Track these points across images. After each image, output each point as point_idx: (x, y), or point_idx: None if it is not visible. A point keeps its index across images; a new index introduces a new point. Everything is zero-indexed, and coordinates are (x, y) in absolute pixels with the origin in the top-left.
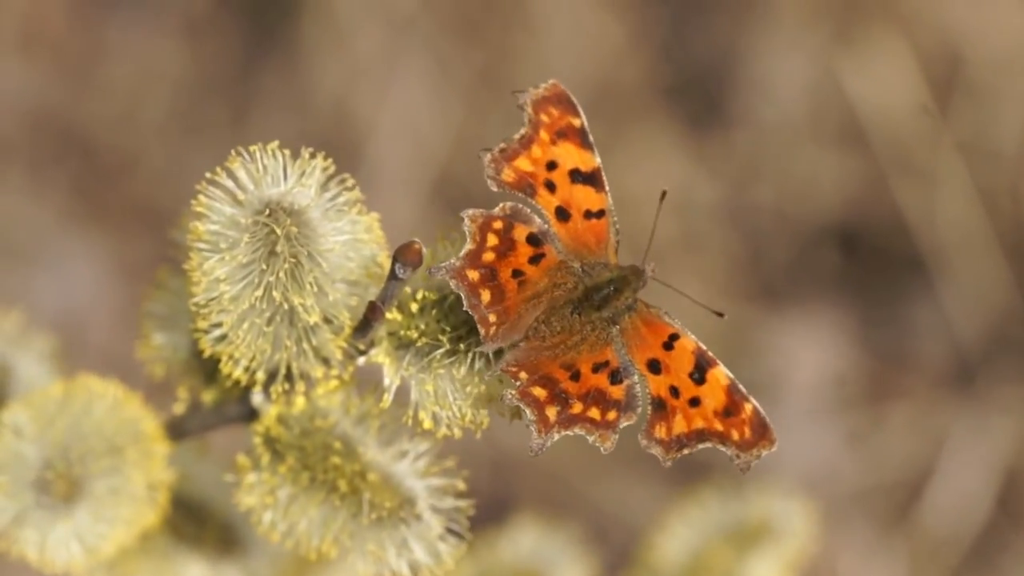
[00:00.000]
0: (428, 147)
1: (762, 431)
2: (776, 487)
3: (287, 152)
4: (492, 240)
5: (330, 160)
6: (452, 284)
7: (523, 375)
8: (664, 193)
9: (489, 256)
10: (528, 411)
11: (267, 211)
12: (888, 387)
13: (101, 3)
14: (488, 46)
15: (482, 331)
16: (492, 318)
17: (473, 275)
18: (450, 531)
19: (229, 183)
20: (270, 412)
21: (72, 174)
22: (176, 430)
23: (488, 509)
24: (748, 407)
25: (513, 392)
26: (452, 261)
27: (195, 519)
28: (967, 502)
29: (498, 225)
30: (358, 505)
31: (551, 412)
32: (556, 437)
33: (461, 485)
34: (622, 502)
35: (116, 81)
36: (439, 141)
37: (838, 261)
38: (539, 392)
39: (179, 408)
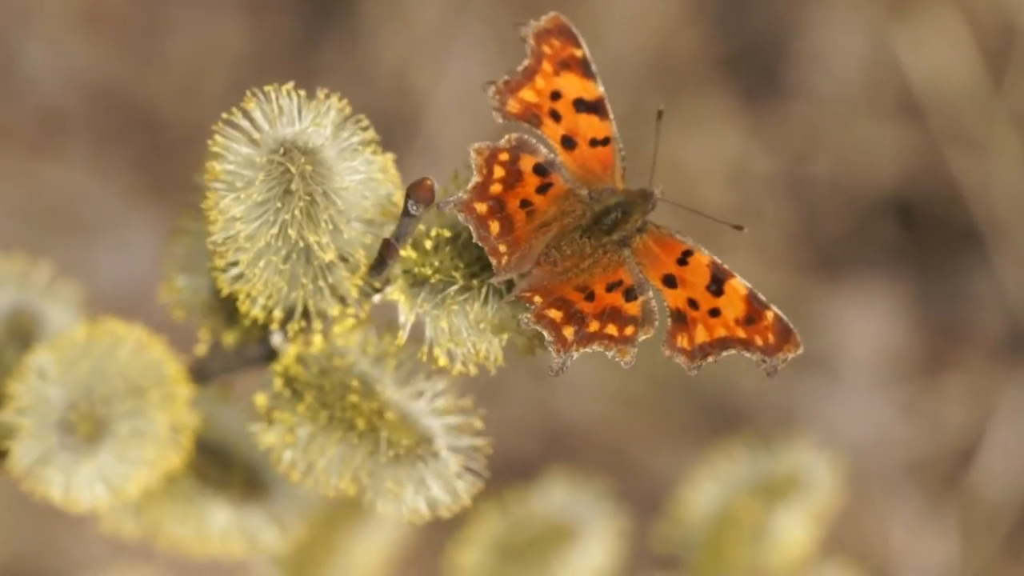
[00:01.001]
0: (484, 118)
1: (786, 335)
2: (804, 441)
3: (303, 92)
4: (499, 172)
5: (345, 101)
6: (461, 217)
7: (538, 299)
8: (660, 112)
9: (496, 188)
10: (545, 332)
11: (282, 150)
12: (943, 358)
13: None
14: None
15: (494, 262)
16: (502, 248)
17: (481, 207)
18: (468, 469)
19: (245, 123)
20: (289, 352)
21: (135, 149)
22: (200, 373)
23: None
24: (769, 314)
25: (529, 315)
26: (460, 194)
27: (219, 463)
28: (1020, 471)
29: (504, 157)
30: (376, 443)
31: (568, 331)
32: (575, 355)
33: (478, 423)
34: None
35: (177, 56)
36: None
37: (894, 233)
38: (555, 314)
39: (201, 350)
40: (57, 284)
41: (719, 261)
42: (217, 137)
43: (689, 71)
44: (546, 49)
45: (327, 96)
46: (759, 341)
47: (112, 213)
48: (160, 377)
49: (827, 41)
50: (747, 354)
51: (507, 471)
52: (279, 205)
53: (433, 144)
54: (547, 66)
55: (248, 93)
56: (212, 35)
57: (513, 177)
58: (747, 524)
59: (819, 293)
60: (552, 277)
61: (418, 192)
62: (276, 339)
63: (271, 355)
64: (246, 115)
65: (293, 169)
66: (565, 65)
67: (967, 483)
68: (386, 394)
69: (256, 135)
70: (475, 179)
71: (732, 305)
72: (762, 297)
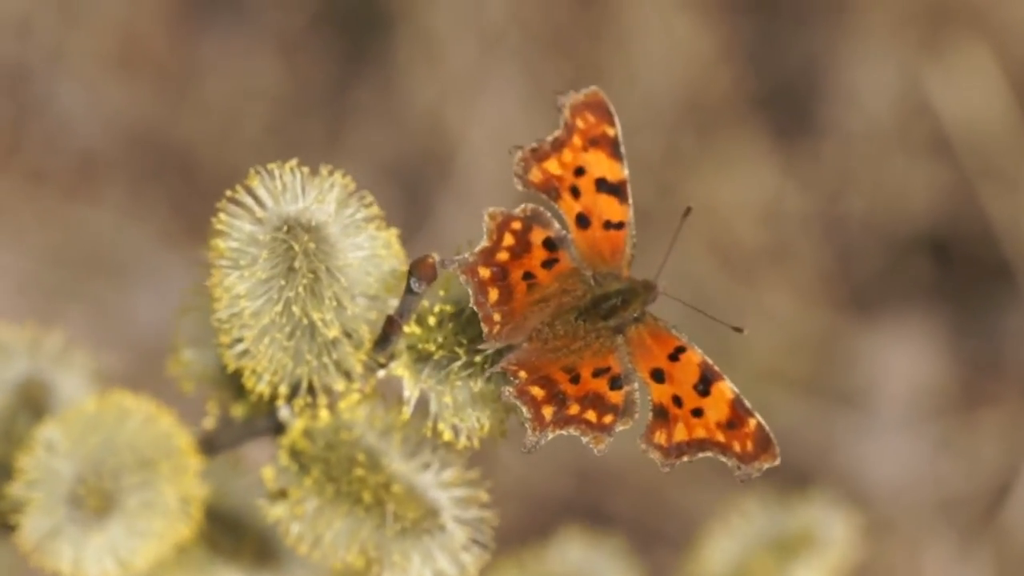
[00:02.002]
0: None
1: (765, 445)
2: (821, 495)
3: (306, 169)
4: (508, 240)
5: (349, 177)
6: (462, 279)
7: (523, 374)
8: (688, 210)
9: (503, 256)
10: (524, 408)
11: (285, 227)
12: (978, 394)
13: (198, 21)
14: (578, 58)
15: (485, 329)
16: (496, 317)
17: (484, 272)
18: (474, 541)
19: (249, 200)
20: (296, 426)
21: (171, 191)
22: (208, 445)
23: (576, 516)
24: (752, 422)
25: (511, 389)
26: (465, 256)
27: (231, 532)
28: None
29: (517, 226)
30: (382, 516)
31: (547, 411)
32: (551, 436)
33: (484, 496)
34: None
35: (213, 98)
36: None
37: (928, 270)
38: (537, 392)
39: (209, 423)
40: (69, 352)
41: (711, 362)
42: (221, 215)
43: (722, 109)
44: (579, 123)
45: (331, 173)
46: (737, 447)
47: (149, 256)
48: (169, 449)
49: (859, 79)
50: (723, 458)
51: (541, 510)
52: (283, 282)
53: (466, 183)
54: (577, 140)
55: (251, 171)
56: (248, 77)
57: (522, 247)
58: None
59: (853, 330)
60: (541, 354)
61: (420, 270)
62: (284, 412)
63: (279, 428)
64: (249, 192)
65: (296, 247)
66: (595, 142)
67: (1002, 520)
68: (392, 467)
69: (260, 212)
70: (484, 243)
71: (717, 407)
72: (748, 404)
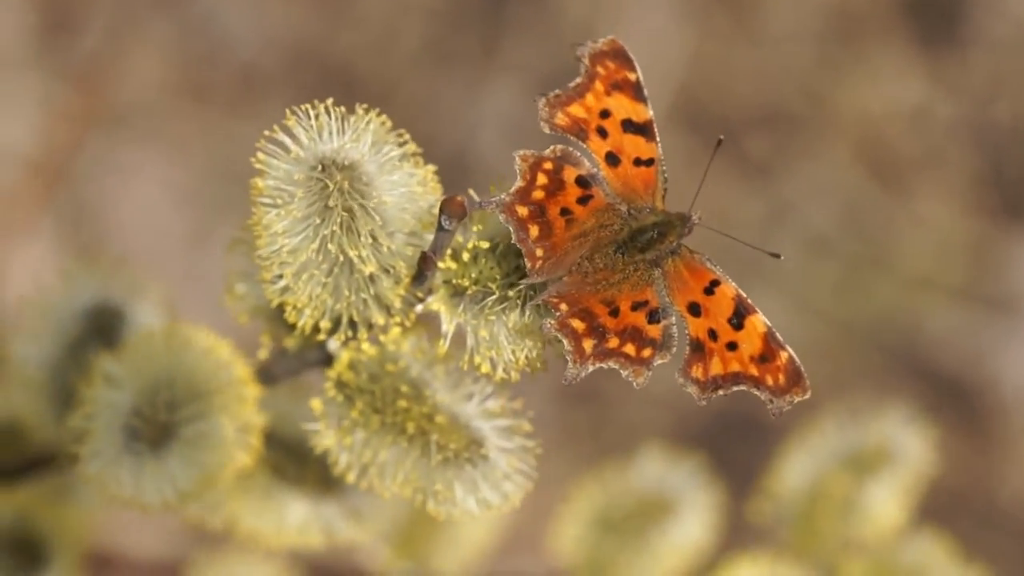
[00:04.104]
0: (666, 67)
1: (796, 378)
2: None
3: (342, 109)
4: (542, 179)
5: (384, 116)
6: (501, 218)
7: (564, 307)
8: (720, 141)
9: (538, 194)
10: (565, 341)
11: (320, 166)
12: None
13: None
14: None
15: (528, 264)
16: (539, 252)
17: (522, 210)
18: (517, 470)
19: (286, 139)
20: (342, 358)
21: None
22: (265, 375)
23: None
24: (784, 355)
25: (552, 322)
26: (501, 196)
27: (295, 459)
28: None
29: (548, 165)
30: (426, 447)
31: (587, 344)
32: (591, 368)
33: (527, 426)
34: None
35: (371, 13)
36: (677, 60)
37: None
38: (577, 324)
39: (263, 354)
40: (143, 283)
41: (744, 295)
42: (259, 154)
43: (870, 17)
44: (600, 70)
45: (367, 111)
46: (770, 380)
47: None
48: (227, 380)
49: None
50: (756, 391)
51: (703, 413)
52: (319, 220)
53: None
54: (599, 85)
55: (288, 111)
56: None
57: (555, 185)
58: (838, 497)
59: (1005, 236)
60: (581, 287)
61: (450, 208)
62: (332, 345)
63: (329, 360)
64: (287, 131)
65: (331, 185)
66: (617, 87)
67: None
68: (436, 398)
69: (296, 151)
70: (518, 183)
71: (750, 341)
72: (779, 337)
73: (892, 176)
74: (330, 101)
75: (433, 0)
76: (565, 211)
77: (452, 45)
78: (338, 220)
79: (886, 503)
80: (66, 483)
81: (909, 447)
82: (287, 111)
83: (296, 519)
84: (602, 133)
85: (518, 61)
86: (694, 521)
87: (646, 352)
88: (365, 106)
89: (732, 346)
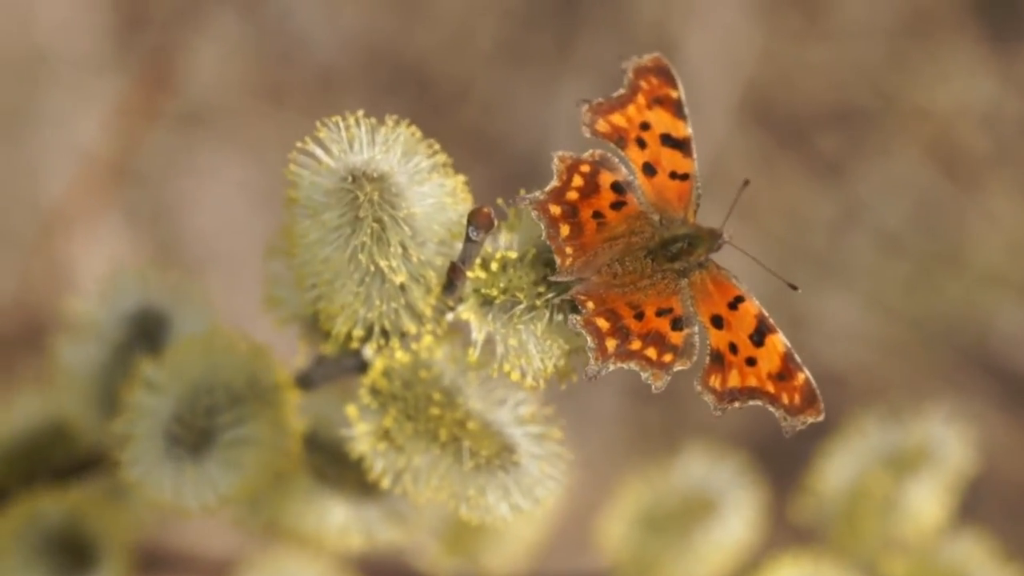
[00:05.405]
0: (736, 64)
1: (811, 400)
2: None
3: (373, 120)
4: (577, 181)
5: (415, 127)
6: (533, 215)
7: (590, 305)
8: (746, 182)
9: (573, 195)
10: (589, 338)
11: (351, 177)
12: None
13: None
14: None
15: (558, 260)
16: (568, 250)
17: (555, 209)
18: (548, 476)
19: (318, 151)
20: (376, 365)
21: (406, 105)
22: (304, 380)
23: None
24: (801, 376)
25: (578, 318)
26: (536, 194)
27: (336, 462)
28: None
29: (585, 168)
30: (458, 453)
31: (610, 343)
32: (611, 367)
33: (558, 433)
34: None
35: (446, 13)
36: (747, 57)
37: None
38: (602, 323)
39: (300, 360)
40: (187, 287)
41: (766, 314)
42: (291, 165)
43: (941, 15)
44: (643, 84)
45: (396, 123)
46: (785, 399)
47: None
48: (267, 385)
49: None
50: (771, 408)
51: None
52: (350, 231)
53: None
54: (641, 99)
55: (319, 123)
56: None
57: (590, 189)
58: (879, 496)
59: None
60: (609, 287)
61: (477, 219)
62: (367, 352)
63: (364, 366)
64: (318, 143)
65: (361, 196)
66: (659, 102)
67: None
68: (468, 405)
69: (327, 163)
70: (554, 183)
71: (769, 359)
72: (798, 359)
73: (963, 173)
74: (360, 113)
75: (507, 0)
76: (597, 214)
77: (526, 45)
78: (368, 231)
79: (927, 502)
80: (116, 484)
81: (950, 446)
82: (317, 123)
83: (337, 521)
84: (641, 144)
85: (592, 61)
86: (737, 520)
87: (667, 357)
88: (395, 117)
89: (751, 361)
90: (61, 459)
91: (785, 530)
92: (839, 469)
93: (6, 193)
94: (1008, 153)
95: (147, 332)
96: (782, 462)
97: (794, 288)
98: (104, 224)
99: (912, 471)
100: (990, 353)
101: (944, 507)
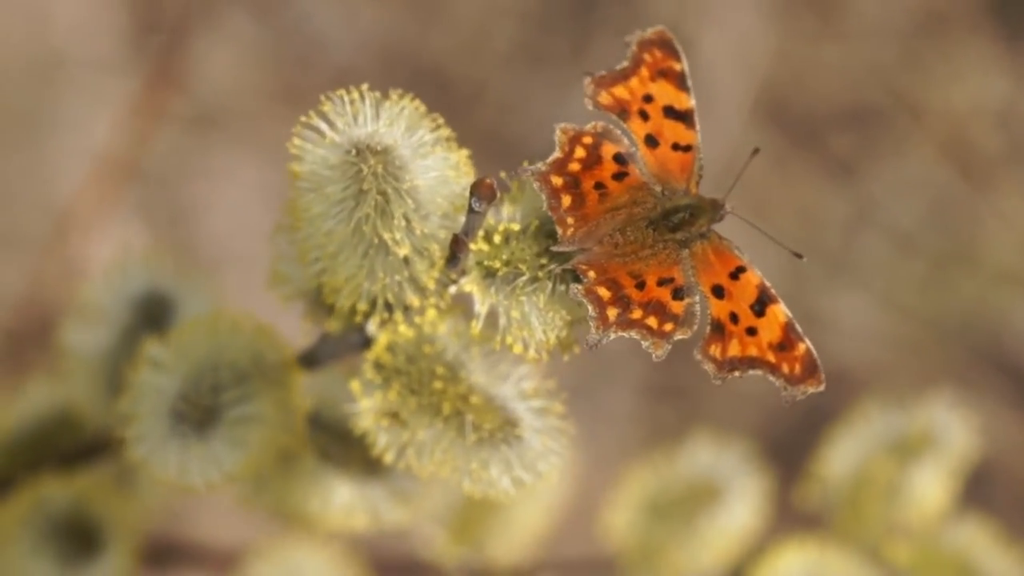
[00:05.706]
0: (751, 64)
1: (811, 370)
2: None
3: (377, 94)
4: (580, 152)
5: (417, 100)
6: (535, 186)
7: (592, 274)
8: (756, 150)
9: (575, 166)
10: (590, 307)
11: (355, 151)
12: None
13: None
14: None
15: (559, 231)
16: (570, 220)
17: (557, 180)
18: (550, 450)
19: (322, 125)
20: (380, 340)
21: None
22: (309, 359)
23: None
24: (802, 346)
25: (579, 288)
26: (538, 165)
27: (340, 441)
28: None
29: (588, 140)
30: (461, 427)
31: (611, 312)
32: (612, 336)
33: (560, 407)
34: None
35: (463, 15)
36: (762, 58)
37: None
38: (603, 292)
39: (304, 337)
40: (191, 272)
41: (768, 284)
42: (295, 139)
43: (955, 14)
44: (647, 57)
45: (401, 97)
46: (786, 369)
47: None
48: (271, 364)
49: None
50: (771, 378)
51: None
52: (354, 204)
53: (705, 95)
54: (645, 71)
55: (324, 97)
56: None
57: (592, 160)
58: (883, 482)
59: None
60: (610, 257)
61: (480, 190)
62: (371, 327)
63: (368, 342)
64: (322, 117)
65: (365, 169)
66: (663, 74)
67: None
68: (471, 379)
69: (331, 136)
70: (556, 154)
71: (770, 328)
72: (799, 329)
73: (977, 173)
74: (365, 87)
75: (524, 2)
76: (599, 185)
77: (542, 47)
78: (372, 203)
79: (930, 487)
80: (124, 470)
81: (953, 432)
82: (322, 97)
83: (342, 501)
84: (644, 116)
85: (607, 62)
86: (742, 506)
87: (668, 326)
88: (399, 91)
89: (752, 331)
90: (68, 445)
91: (790, 516)
92: (843, 455)
93: (21, 194)
94: (1022, 152)
95: (153, 316)
96: (787, 449)
97: (799, 256)
98: (118, 225)
99: (916, 457)
100: (1003, 351)
101: (948, 492)
